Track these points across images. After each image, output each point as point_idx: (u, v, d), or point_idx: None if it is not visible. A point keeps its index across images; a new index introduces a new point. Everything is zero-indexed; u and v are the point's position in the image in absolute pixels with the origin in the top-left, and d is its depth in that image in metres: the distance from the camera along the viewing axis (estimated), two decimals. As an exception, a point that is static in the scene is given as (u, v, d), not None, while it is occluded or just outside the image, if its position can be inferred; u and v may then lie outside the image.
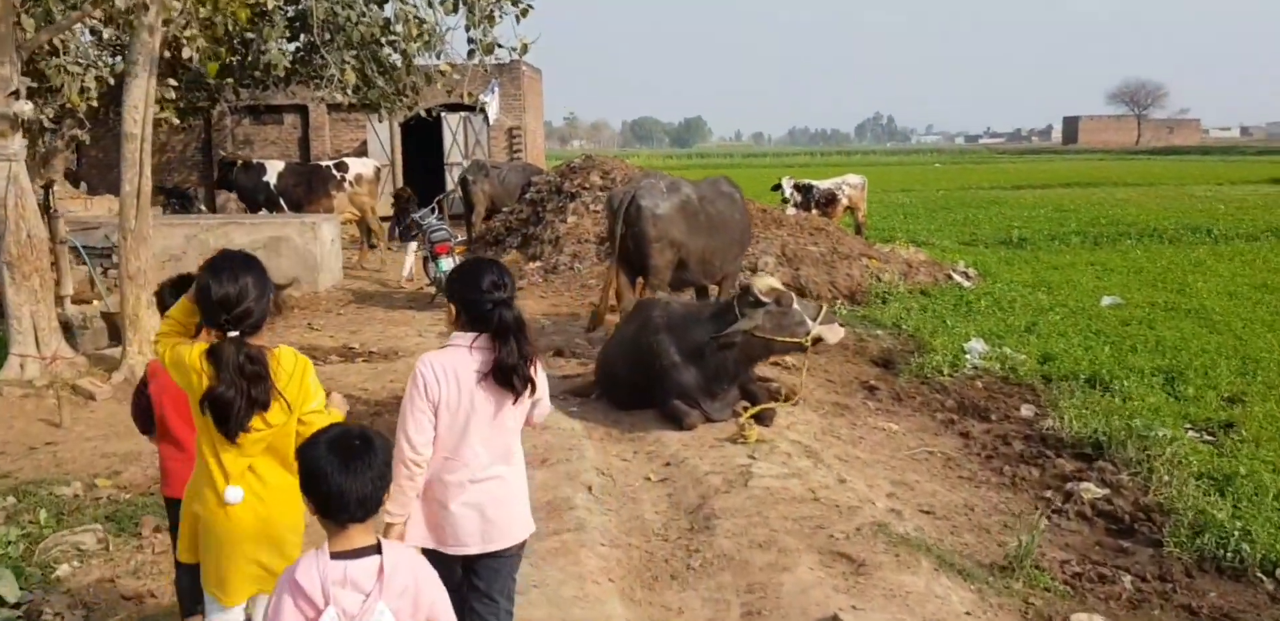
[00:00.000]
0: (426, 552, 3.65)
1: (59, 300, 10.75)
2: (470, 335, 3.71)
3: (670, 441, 7.56)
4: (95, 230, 13.22)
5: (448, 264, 13.79)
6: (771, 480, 6.44)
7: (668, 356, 8.03)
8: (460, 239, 15.19)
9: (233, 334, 3.49)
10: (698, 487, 6.54)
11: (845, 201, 19.59)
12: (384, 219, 20.01)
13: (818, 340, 7.72)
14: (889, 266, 14.99)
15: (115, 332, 10.27)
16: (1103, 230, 23.10)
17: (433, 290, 14.53)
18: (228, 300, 3.47)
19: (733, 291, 9.14)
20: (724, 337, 7.71)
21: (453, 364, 3.68)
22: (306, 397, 3.67)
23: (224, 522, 3.61)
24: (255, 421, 3.53)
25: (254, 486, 3.63)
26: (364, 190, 18.29)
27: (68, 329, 10.53)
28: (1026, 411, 9.02)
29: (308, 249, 15.43)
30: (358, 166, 18.54)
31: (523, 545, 3.87)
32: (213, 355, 3.49)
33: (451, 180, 25.00)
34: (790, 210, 19.08)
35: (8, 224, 9.31)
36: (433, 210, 15.48)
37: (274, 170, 18.00)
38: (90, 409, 8.88)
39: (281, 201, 17.67)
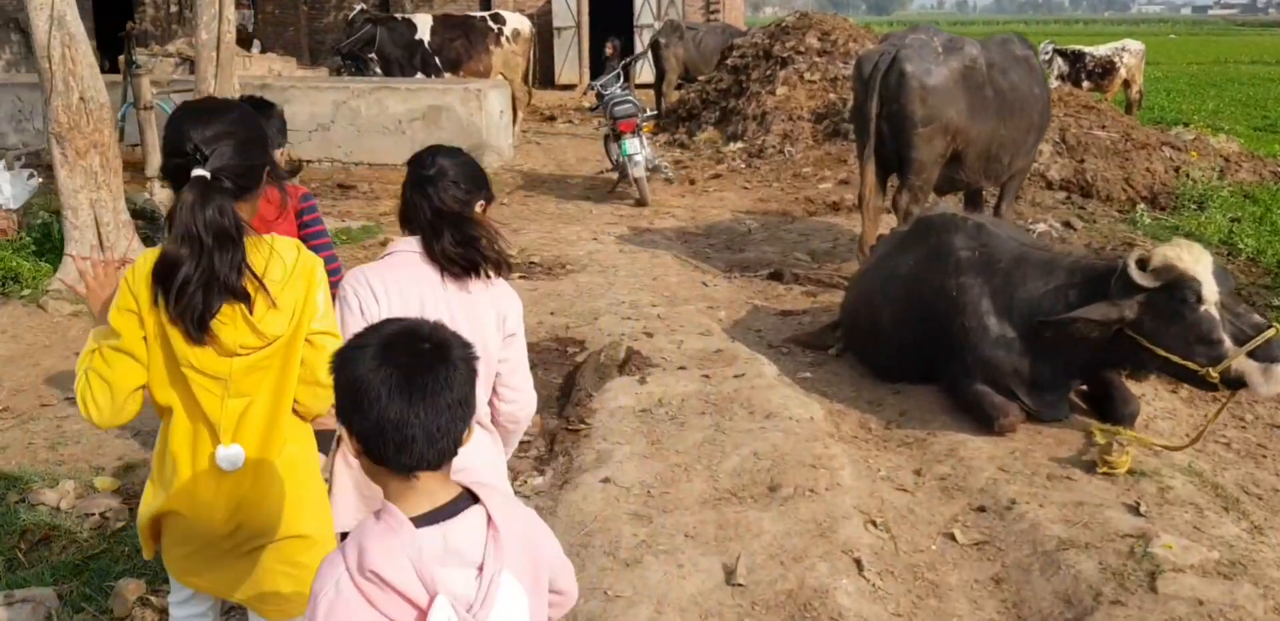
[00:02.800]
0: None
1: (142, 182, 8.49)
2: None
3: (976, 456, 4.71)
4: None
5: (633, 145, 10.93)
6: (1194, 577, 3.55)
7: (975, 314, 5.08)
8: (650, 113, 12.25)
9: (199, 172, 2.27)
10: (1053, 576, 3.71)
11: (1124, 73, 15.74)
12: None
13: (1235, 379, 4.42)
14: (1203, 161, 11.46)
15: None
16: None
17: (614, 176, 11.79)
18: (190, 137, 2.29)
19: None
20: (1056, 326, 4.73)
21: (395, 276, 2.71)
22: (311, 308, 2.43)
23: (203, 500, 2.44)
24: (242, 331, 2.31)
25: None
26: (519, 50, 15.36)
27: (153, 220, 8.28)
28: None
29: (471, 121, 12.87)
30: (515, 21, 15.52)
31: None
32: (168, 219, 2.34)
33: (641, 43, 22.12)
34: (1052, 83, 15.49)
35: (54, 83, 6.95)
36: (617, 77, 12.53)
37: (424, 26, 15.02)
38: (151, 338, 6.59)
39: (437, 61, 14.84)
